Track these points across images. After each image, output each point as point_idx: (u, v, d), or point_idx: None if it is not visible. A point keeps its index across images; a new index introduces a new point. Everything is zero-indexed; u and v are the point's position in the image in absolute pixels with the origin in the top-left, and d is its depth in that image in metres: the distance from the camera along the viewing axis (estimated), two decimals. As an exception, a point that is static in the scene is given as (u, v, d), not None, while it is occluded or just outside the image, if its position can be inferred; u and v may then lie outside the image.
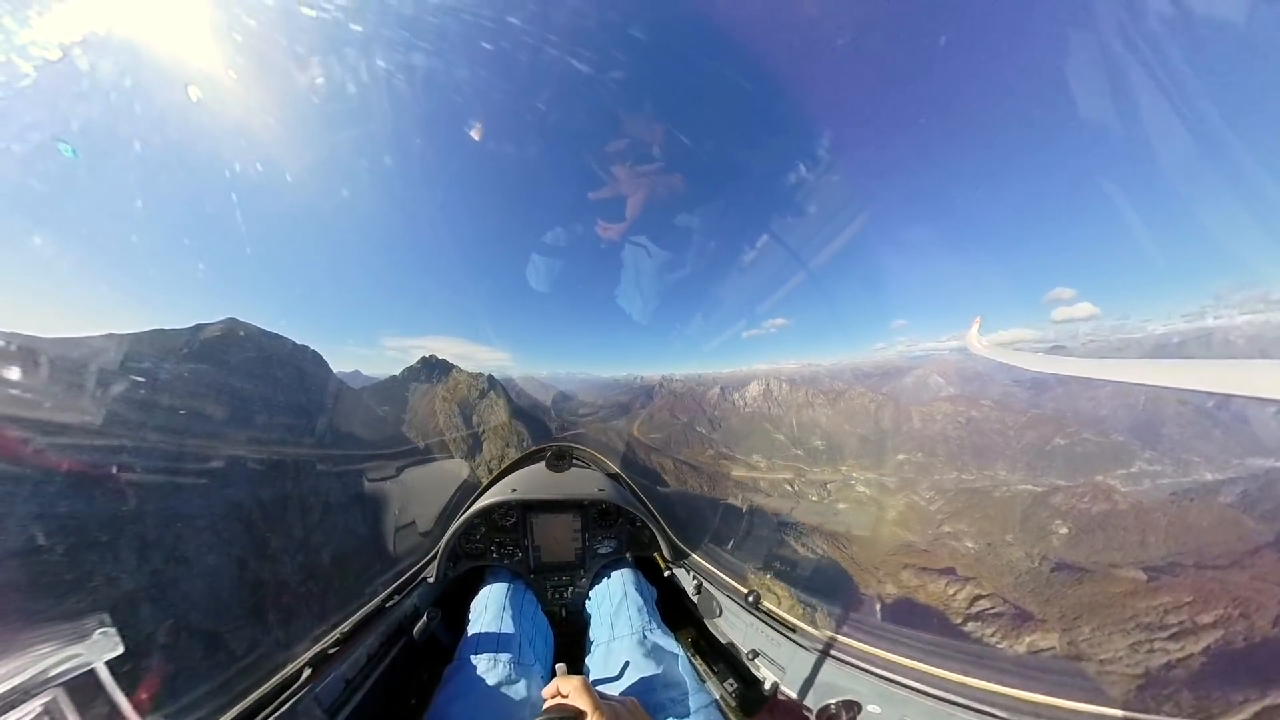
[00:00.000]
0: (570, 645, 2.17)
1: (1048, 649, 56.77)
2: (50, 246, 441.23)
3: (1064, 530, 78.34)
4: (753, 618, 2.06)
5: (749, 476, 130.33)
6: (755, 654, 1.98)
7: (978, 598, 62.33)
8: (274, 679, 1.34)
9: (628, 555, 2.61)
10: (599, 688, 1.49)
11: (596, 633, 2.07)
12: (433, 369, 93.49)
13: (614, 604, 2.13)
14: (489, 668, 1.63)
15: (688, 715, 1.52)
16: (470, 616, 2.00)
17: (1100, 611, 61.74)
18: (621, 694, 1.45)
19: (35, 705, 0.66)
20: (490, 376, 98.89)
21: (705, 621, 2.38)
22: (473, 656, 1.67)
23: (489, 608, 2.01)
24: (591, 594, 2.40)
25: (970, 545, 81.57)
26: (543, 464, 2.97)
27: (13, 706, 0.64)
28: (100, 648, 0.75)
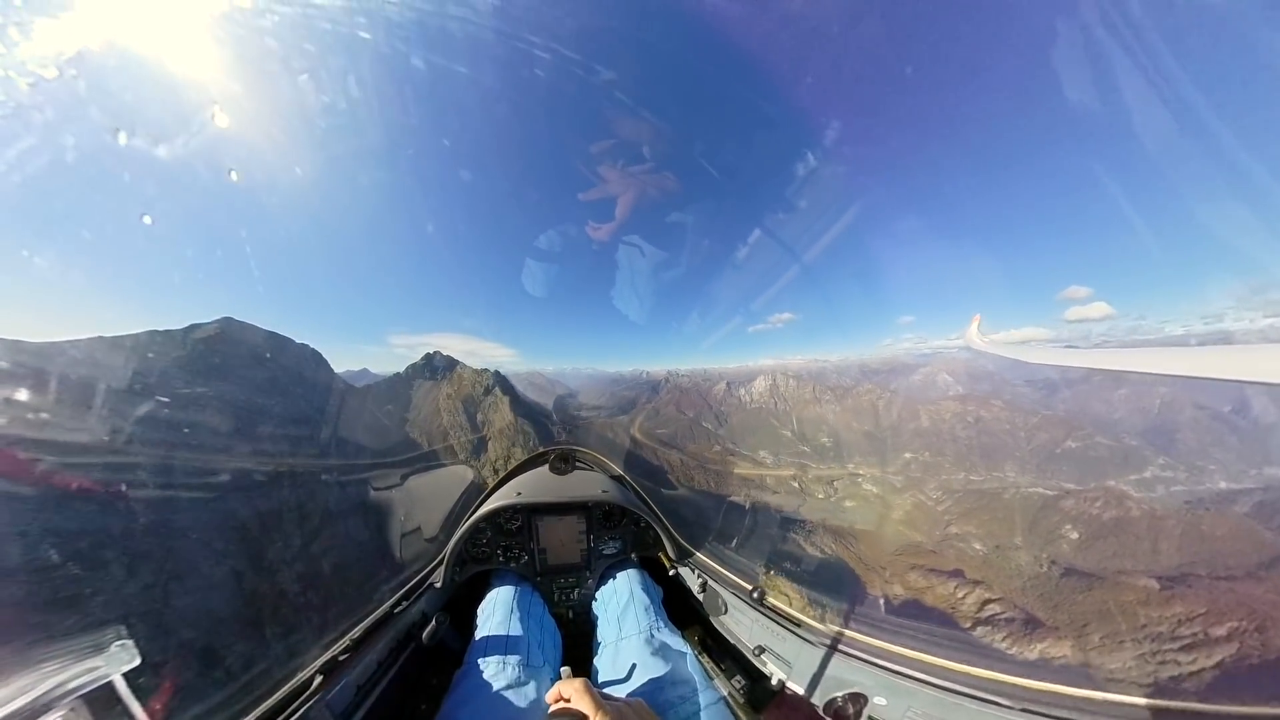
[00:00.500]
0: (578, 646, 2.21)
1: (1059, 657, 57.46)
2: (28, 246, 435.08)
3: (1074, 535, 78.81)
4: (758, 614, 2.11)
5: (755, 473, 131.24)
6: (761, 650, 2.04)
7: (987, 601, 63.00)
8: (285, 687, 1.38)
9: (633, 555, 2.66)
10: (607, 688, 1.63)
11: (604, 633, 2.11)
12: (437, 366, 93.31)
13: (621, 604, 2.18)
14: (498, 671, 1.66)
15: (697, 712, 1.55)
16: (478, 620, 2.06)
17: (1110, 620, 62.37)
18: (630, 693, 1.51)
19: (54, 718, 0.68)
20: (495, 372, 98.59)
21: (711, 619, 2.43)
22: (481, 660, 1.70)
23: (496, 611, 2.06)
24: (598, 595, 2.45)
25: (978, 547, 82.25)
26: (546, 467, 3.03)
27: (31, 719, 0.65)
28: (118, 660, 0.77)
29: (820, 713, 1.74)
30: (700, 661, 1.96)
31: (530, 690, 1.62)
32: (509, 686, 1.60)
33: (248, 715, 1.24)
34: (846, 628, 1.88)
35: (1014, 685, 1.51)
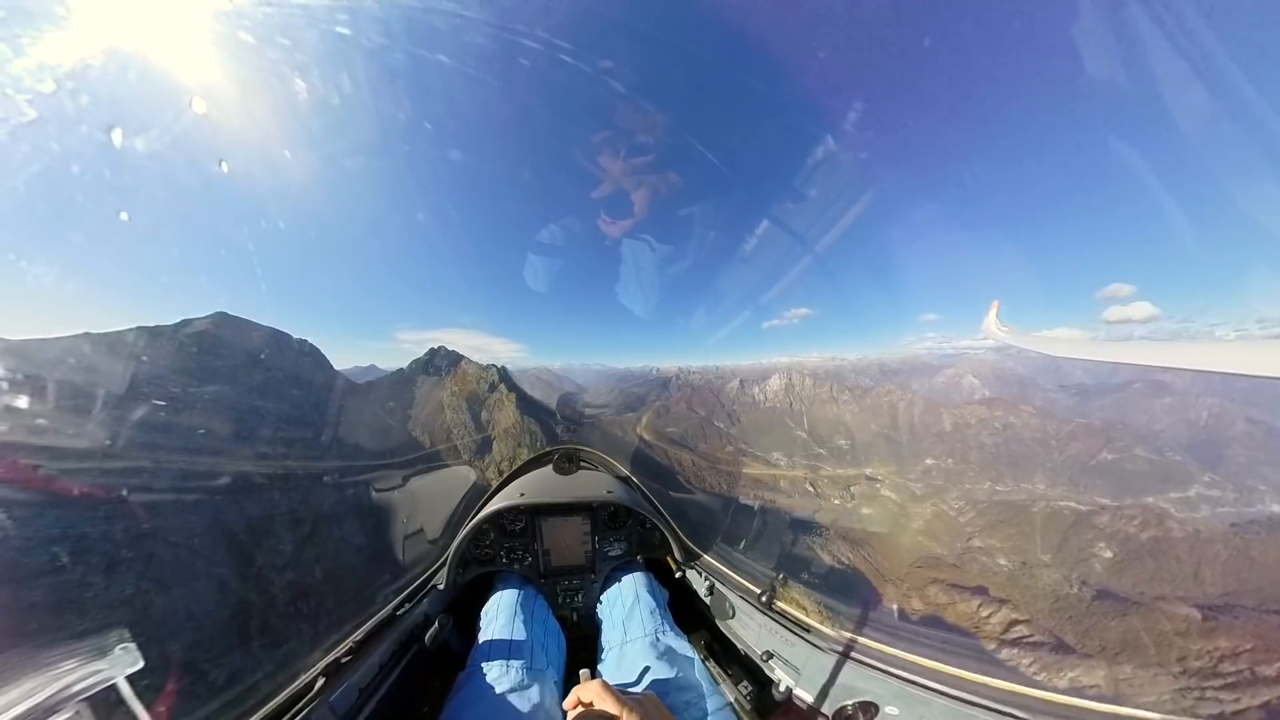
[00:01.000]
0: (583, 649, 2.19)
1: (1090, 686, 55.21)
2: (13, 242, 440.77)
3: (1108, 555, 75.82)
4: (766, 618, 2.10)
5: (769, 474, 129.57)
6: (769, 655, 2.02)
7: (1014, 623, 60.91)
8: (289, 689, 1.40)
9: (639, 558, 2.65)
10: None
11: (609, 636, 2.10)
12: (441, 361, 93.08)
13: (626, 607, 2.17)
14: (501, 674, 1.67)
15: (703, 718, 1.58)
16: (481, 623, 2.06)
17: (1145, 650, 59.72)
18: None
19: None
20: (501, 368, 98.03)
21: (718, 623, 2.43)
22: (485, 663, 1.72)
23: (500, 614, 2.06)
24: (603, 597, 2.43)
25: (1003, 563, 79.74)
26: (550, 467, 3.00)
27: None
28: (122, 663, 0.81)
29: None
30: (707, 666, 2.05)
31: (534, 694, 1.62)
32: (512, 690, 1.61)
33: (251, 716, 1.27)
34: (859, 634, 1.87)
35: (1030, 697, 1.50)
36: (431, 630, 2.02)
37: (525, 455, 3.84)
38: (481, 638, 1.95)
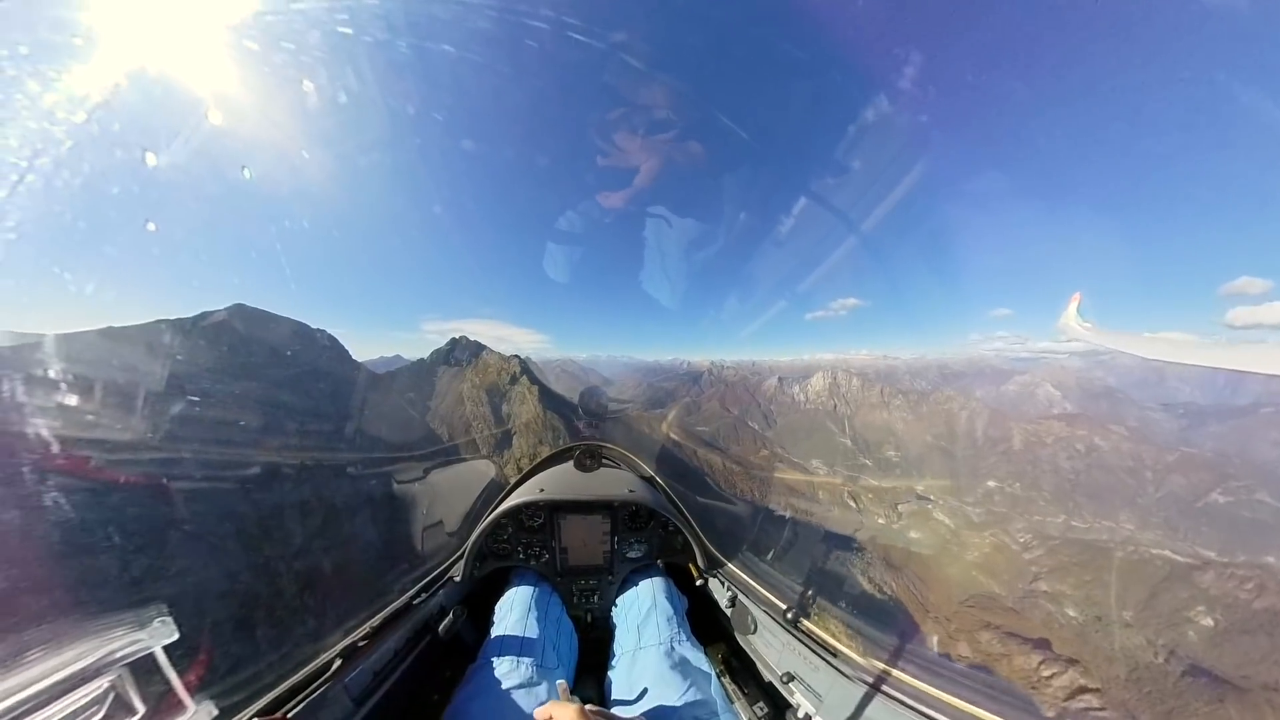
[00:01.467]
0: (594, 651, 2.24)
1: (1169, 788, 47.59)
2: (37, 241, 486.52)
3: (1208, 622, 65.38)
4: (790, 637, 2.05)
5: (805, 483, 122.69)
6: (790, 677, 1.97)
7: (1082, 690, 53.56)
8: (307, 668, 1.54)
9: (659, 562, 2.65)
10: (618, 702, 1.77)
11: (622, 640, 2.12)
12: (462, 351, 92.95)
13: (642, 611, 2.17)
14: (511, 669, 1.73)
15: None
16: (495, 617, 2.12)
17: (1245, 749, 50.82)
18: (645, 711, 1.49)
19: (103, 682, 0.87)
20: (524, 359, 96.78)
21: (738, 637, 2.39)
22: (495, 658, 1.78)
23: (514, 609, 2.11)
24: (619, 600, 2.45)
25: (1073, 615, 70.92)
26: (571, 463, 3.02)
27: (84, 683, 0.84)
28: (159, 634, 0.97)
29: None
30: (722, 682, 2.02)
31: (541, 691, 1.66)
32: (520, 685, 1.66)
33: (272, 690, 1.39)
34: (893, 667, 1.78)
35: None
36: (446, 621, 2.10)
37: (545, 452, 3.74)
38: (494, 632, 1.99)
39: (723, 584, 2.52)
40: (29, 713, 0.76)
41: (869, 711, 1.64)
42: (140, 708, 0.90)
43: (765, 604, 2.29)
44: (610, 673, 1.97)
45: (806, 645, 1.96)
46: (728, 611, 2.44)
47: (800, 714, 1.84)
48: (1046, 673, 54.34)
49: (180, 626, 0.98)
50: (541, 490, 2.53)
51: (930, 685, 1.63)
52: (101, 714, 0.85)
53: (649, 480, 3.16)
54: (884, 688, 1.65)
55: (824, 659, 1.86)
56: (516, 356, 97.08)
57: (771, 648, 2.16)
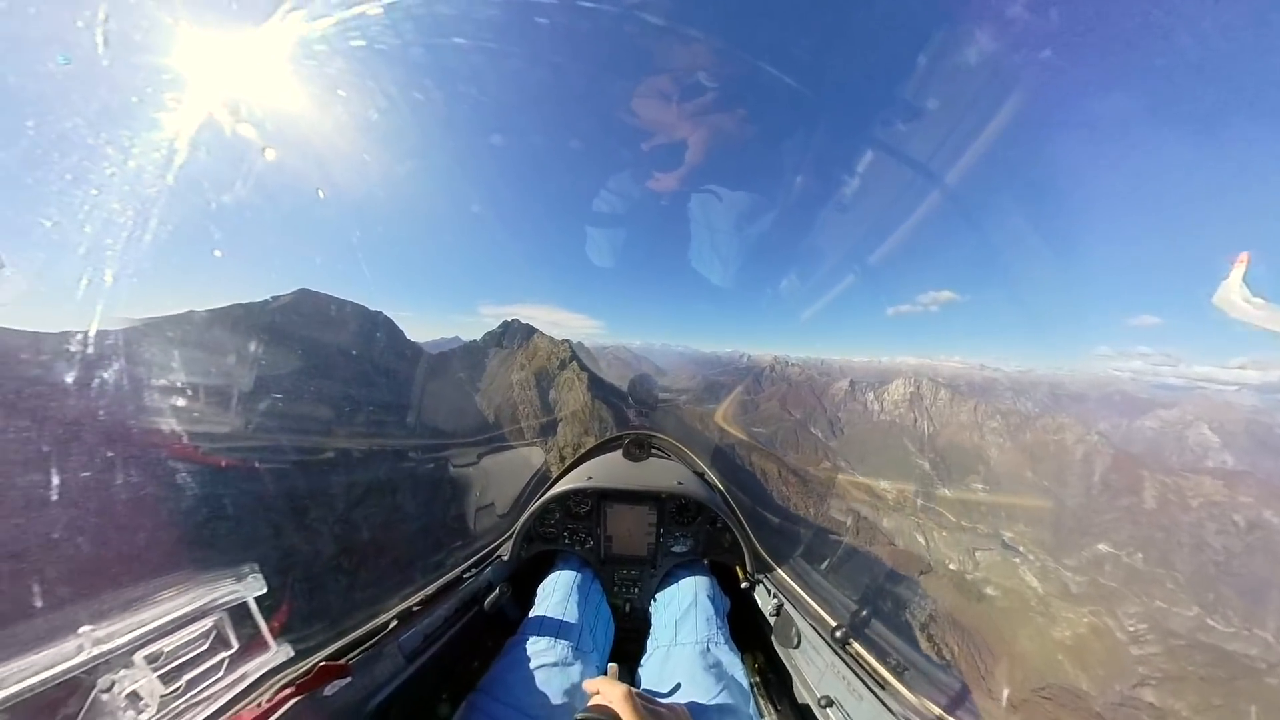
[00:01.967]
0: (630, 641, 2.30)
1: None
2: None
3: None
4: (836, 658, 1.93)
5: (869, 504, 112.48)
6: (829, 702, 1.88)
7: None
8: (367, 625, 1.74)
9: (704, 560, 2.64)
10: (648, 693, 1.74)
11: (658, 634, 2.14)
12: (514, 334, 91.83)
13: (681, 608, 2.19)
14: (547, 648, 1.83)
15: None
16: (537, 597, 2.22)
17: None
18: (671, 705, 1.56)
19: (207, 623, 1.15)
20: (574, 345, 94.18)
21: (778, 649, 2.32)
22: (534, 636, 1.88)
23: (556, 591, 2.21)
24: (659, 594, 2.47)
25: (1188, 744, 59.05)
26: (620, 452, 3.05)
27: (193, 621, 1.13)
28: (250, 585, 1.25)
29: None
30: (755, 693, 2.00)
31: (574, 673, 1.75)
32: (555, 664, 1.76)
33: (336, 641, 1.59)
34: (951, 714, 1.64)
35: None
36: (491, 596, 2.23)
37: (590, 443, 3.82)
38: (535, 611, 2.09)
39: (769, 591, 2.43)
40: (156, 639, 1.05)
41: None
42: (235, 644, 1.20)
43: (813, 618, 2.17)
44: (642, 665, 2.00)
45: (853, 670, 1.82)
46: (771, 620, 2.35)
47: None
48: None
49: (267, 582, 1.27)
50: (589, 478, 2.59)
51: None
52: (206, 646, 1.15)
53: (700, 475, 3.12)
54: None
55: (870, 689, 1.72)
56: (567, 341, 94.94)
57: (813, 666, 2.05)
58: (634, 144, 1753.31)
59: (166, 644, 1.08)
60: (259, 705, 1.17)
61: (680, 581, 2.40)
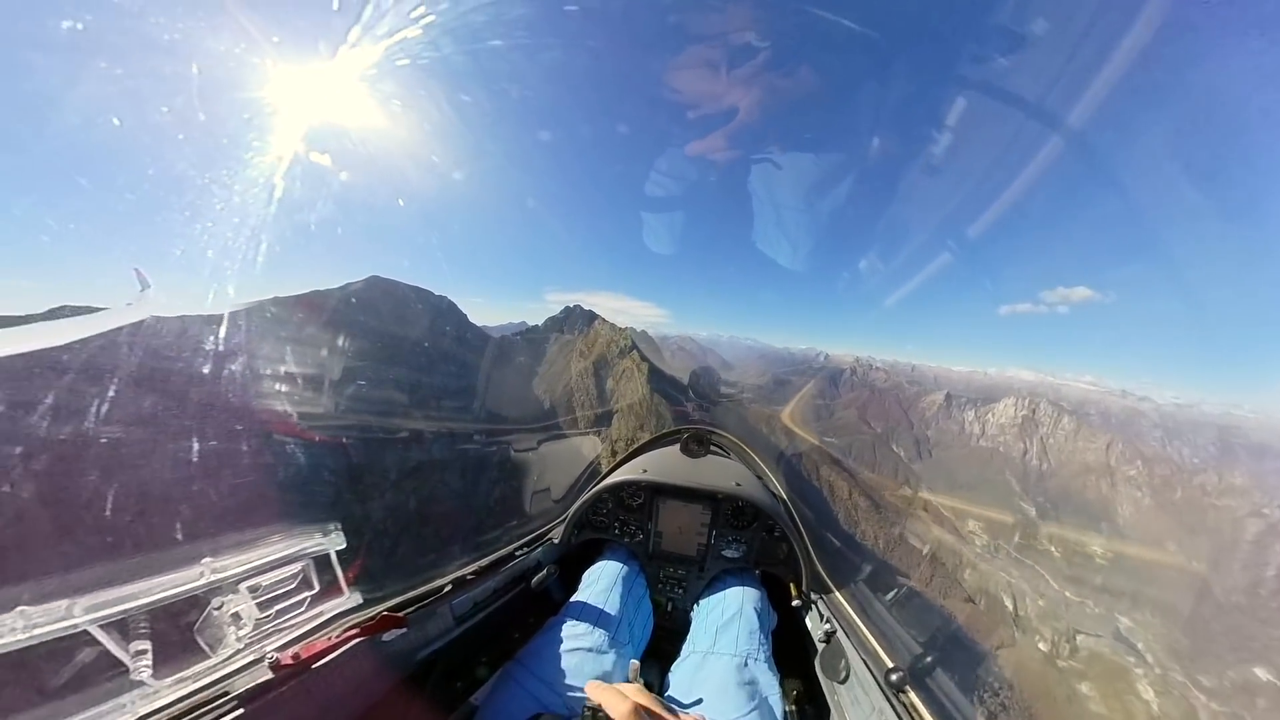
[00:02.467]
0: (666, 641, 2.32)
1: None
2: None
3: None
4: (886, 703, 1.78)
5: (950, 547, 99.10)
6: None
7: None
8: (426, 586, 1.94)
9: (756, 569, 2.61)
10: (673, 703, 1.74)
11: (696, 639, 2.12)
12: (575, 320, 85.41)
13: (725, 616, 2.16)
14: (585, 632, 1.89)
15: None
16: (582, 582, 2.29)
17: None
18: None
19: (296, 568, 1.41)
20: (640, 333, 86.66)
21: (822, 679, 2.22)
22: (574, 619, 1.95)
23: (601, 579, 2.26)
24: (705, 598, 2.45)
25: None
26: (678, 446, 3.03)
27: (286, 564, 1.38)
28: (333, 540, 1.50)
29: None
30: None
31: (607, 661, 1.81)
32: (590, 650, 1.82)
33: (397, 597, 1.80)
34: None
35: None
36: (539, 575, 2.34)
37: (644, 438, 3.80)
38: (578, 596, 2.15)
39: (821, 614, 2.32)
40: (257, 575, 1.31)
41: None
42: (316, 586, 1.45)
43: (867, 652, 2.04)
44: (674, 668, 1.99)
45: (902, 719, 1.71)
46: (819, 646, 2.24)
47: None
48: None
49: (346, 540, 1.49)
50: (644, 471, 2.60)
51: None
52: (294, 585, 1.40)
53: (760, 478, 3.09)
54: None
55: None
56: (629, 329, 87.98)
57: (859, 706, 1.92)
58: (685, 122, 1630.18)
59: (265, 579, 1.34)
60: (329, 639, 1.39)
61: (728, 588, 2.34)
